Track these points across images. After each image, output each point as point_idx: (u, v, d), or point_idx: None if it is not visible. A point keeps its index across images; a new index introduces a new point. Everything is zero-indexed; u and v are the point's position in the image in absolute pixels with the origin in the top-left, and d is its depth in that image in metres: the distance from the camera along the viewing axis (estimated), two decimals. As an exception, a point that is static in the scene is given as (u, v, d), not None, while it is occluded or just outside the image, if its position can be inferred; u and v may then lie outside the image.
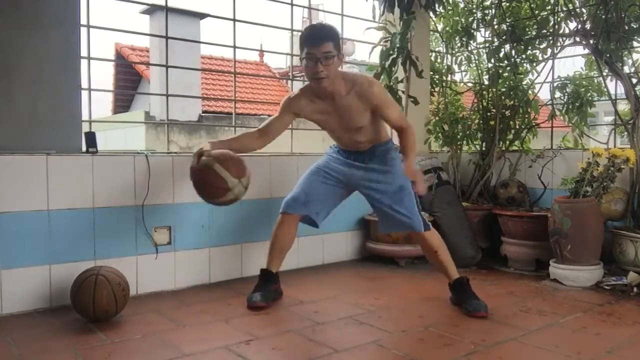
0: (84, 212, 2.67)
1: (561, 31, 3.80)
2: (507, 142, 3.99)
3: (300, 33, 2.51)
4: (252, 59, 13.90)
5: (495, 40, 4.07)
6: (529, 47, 3.99)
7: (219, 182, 2.27)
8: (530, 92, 4.00)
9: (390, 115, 2.54)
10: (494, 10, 4.08)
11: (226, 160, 2.30)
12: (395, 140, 2.72)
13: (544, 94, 4.35)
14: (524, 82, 4.01)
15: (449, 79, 4.40)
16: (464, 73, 4.48)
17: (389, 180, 2.59)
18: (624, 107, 3.81)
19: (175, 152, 3.15)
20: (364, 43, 4.25)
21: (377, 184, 2.61)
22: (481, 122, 4.09)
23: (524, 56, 4.05)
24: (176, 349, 2.05)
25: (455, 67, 4.39)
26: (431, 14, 4.04)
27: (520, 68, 4.08)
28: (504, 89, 4.00)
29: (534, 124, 3.98)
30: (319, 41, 2.36)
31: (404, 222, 2.55)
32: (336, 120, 2.56)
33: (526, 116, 3.95)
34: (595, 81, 3.77)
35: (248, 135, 2.62)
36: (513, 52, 4.01)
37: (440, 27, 4.36)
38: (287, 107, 2.61)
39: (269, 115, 11.17)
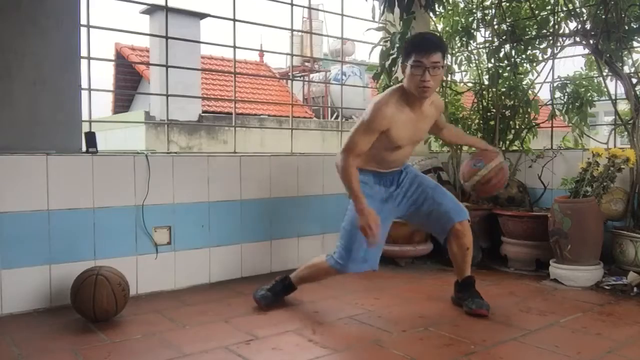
0: (84, 212, 2.68)
1: (561, 31, 3.80)
2: (507, 142, 3.99)
3: (410, 39, 2.45)
4: (252, 59, 13.91)
5: (495, 40, 4.07)
6: (529, 47, 3.99)
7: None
8: (530, 92, 4.00)
9: (442, 118, 2.71)
10: (494, 10, 4.08)
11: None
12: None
13: (544, 94, 4.35)
14: (524, 82, 4.01)
15: (449, 79, 4.40)
16: (464, 73, 4.48)
17: (421, 183, 2.58)
18: (624, 107, 3.81)
19: (175, 152, 3.16)
20: (364, 43, 4.26)
21: (414, 192, 2.56)
22: (481, 122, 4.09)
23: (524, 56, 4.05)
24: (176, 349, 2.05)
25: (455, 67, 4.39)
26: (431, 14, 4.04)
27: (520, 68, 4.08)
28: (504, 89, 4.00)
29: (534, 124, 3.98)
30: (429, 50, 2.27)
31: (453, 207, 2.50)
32: (412, 131, 2.44)
33: (526, 116, 3.95)
34: (595, 81, 3.77)
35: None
36: (513, 52, 4.01)
37: (440, 27, 4.36)
38: (382, 125, 2.35)
39: (269, 116, 11.05)
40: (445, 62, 2.37)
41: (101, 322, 2.34)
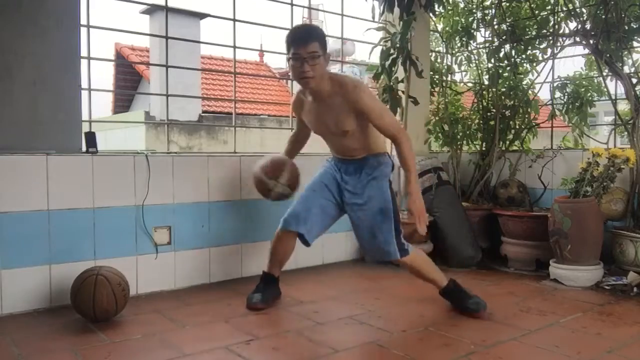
0: (84, 212, 2.68)
1: (561, 31, 3.80)
2: (507, 142, 3.99)
3: (288, 33, 2.43)
4: (252, 59, 13.90)
5: (495, 40, 4.07)
6: (529, 47, 3.99)
7: (261, 186, 2.67)
8: (530, 92, 4.00)
9: (378, 122, 2.42)
10: (494, 10, 4.08)
11: (262, 166, 2.66)
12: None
13: (544, 94, 4.36)
14: (524, 82, 4.01)
15: (449, 79, 4.40)
16: (464, 73, 4.48)
17: (371, 201, 2.49)
18: (624, 107, 3.81)
19: (175, 152, 3.16)
20: (364, 43, 4.26)
21: (361, 205, 2.51)
22: (481, 122, 4.09)
23: (524, 56, 4.05)
24: (176, 349, 2.05)
25: (455, 67, 4.39)
26: (431, 14, 4.04)
27: (520, 68, 4.08)
28: (504, 89, 4.00)
29: (534, 124, 3.98)
30: (304, 41, 2.31)
31: (381, 249, 2.46)
32: (323, 123, 2.52)
33: (526, 116, 3.95)
34: (595, 81, 3.77)
35: (295, 145, 2.89)
36: (513, 52, 4.01)
37: (440, 27, 4.36)
38: (295, 111, 2.73)
39: (269, 116, 11.08)
40: (325, 50, 2.38)
41: (101, 322, 2.34)
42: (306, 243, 2.63)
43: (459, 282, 2.59)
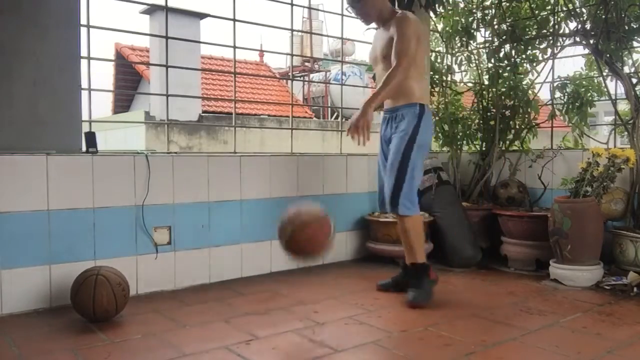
0: (84, 212, 2.68)
1: (561, 31, 3.80)
2: (507, 142, 3.99)
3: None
4: (252, 59, 13.91)
5: (495, 40, 4.07)
6: (529, 47, 3.99)
7: None
8: (530, 92, 4.00)
9: (395, 45, 2.56)
10: (494, 10, 4.08)
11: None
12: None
13: (544, 94, 4.35)
14: (524, 82, 4.01)
15: (449, 79, 4.40)
16: (464, 73, 4.48)
17: (391, 150, 2.73)
18: (624, 107, 3.81)
19: (175, 152, 3.16)
20: (364, 43, 4.26)
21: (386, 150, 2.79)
22: (481, 122, 4.09)
23: (524, 56, 4.05)
24: (176, 349, 2.06)
25: (455, 67, 4.39)
26: (431, 14, 4.04)
27: (520, 68, 4.08)
28: (504, 89, 4.00)
29: (534, 124, 3.98)
30: None
31: (387, 195, 2.71)
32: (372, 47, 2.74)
33: (526, 116, 3.95)
34: (595, 81, 3.77)
35: None
36: (513, 52, 4.01)
37: (440, 27, 4.36)
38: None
39: (269, 116, 11.08)
40: None
41: (101, 322, 2.34)
42: None
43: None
